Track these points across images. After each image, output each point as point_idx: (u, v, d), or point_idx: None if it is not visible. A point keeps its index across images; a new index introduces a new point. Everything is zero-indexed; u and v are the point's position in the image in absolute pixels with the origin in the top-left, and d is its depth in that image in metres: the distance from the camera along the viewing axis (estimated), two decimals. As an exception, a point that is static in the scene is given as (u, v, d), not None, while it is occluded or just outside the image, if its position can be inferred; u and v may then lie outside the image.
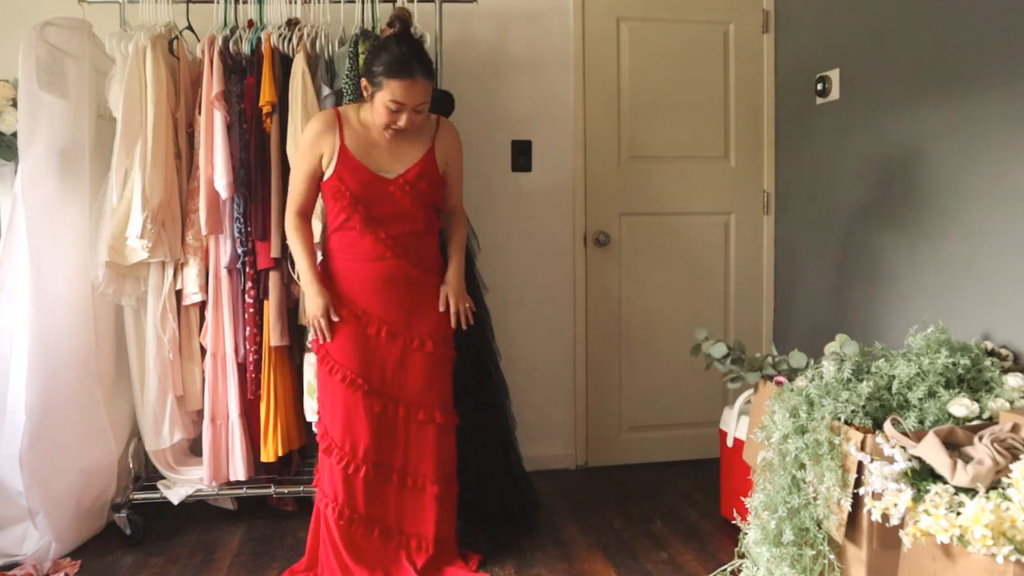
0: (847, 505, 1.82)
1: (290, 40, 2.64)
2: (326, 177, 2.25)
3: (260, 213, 2.60)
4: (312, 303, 2.26)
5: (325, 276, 2.31)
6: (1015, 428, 1.71)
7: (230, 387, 2.67)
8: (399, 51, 2.12)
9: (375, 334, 2.28)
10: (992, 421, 1.89)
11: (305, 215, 2.32)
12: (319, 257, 2.39)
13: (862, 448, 1.81)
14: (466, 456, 2.48)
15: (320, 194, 2.32)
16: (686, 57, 3.40)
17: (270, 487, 2.75)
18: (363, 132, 2.25)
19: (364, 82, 2.20)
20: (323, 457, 2.34)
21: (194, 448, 2.80)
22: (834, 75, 3.00)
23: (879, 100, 2.77)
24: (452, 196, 2.43)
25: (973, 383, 2.03)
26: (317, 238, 2.55)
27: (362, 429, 2.27)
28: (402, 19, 2.56)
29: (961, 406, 1.90)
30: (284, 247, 2.61)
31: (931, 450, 1.66)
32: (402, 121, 2.16)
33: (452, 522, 2.42)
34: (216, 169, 2.54)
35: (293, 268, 2.64)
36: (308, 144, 2.25)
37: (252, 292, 2.64)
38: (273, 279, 2.65)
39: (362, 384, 2.26)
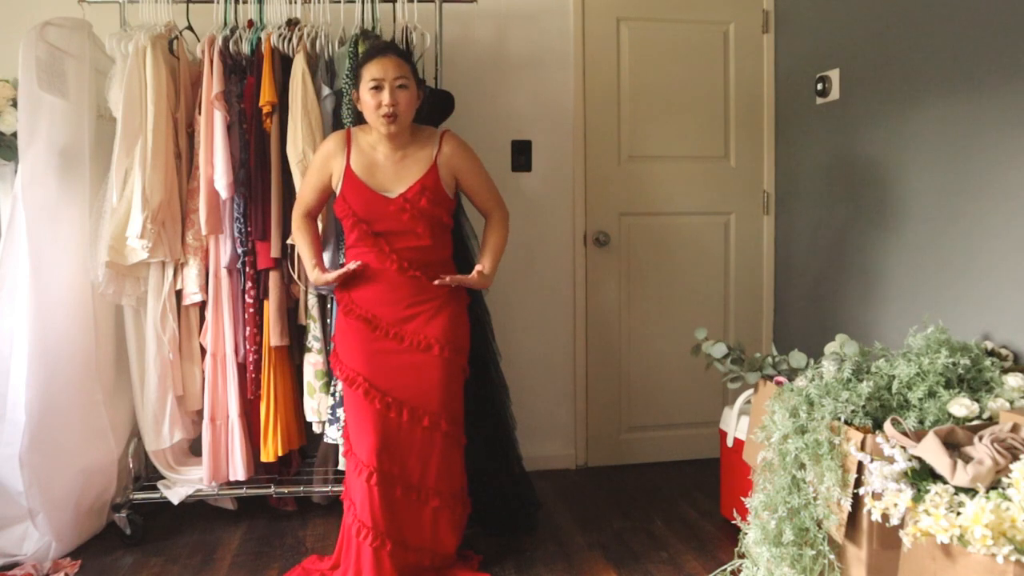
0: (847, 505, 1.82)
1: (290, 40, 2.64)
2: (336, 194, 2.35)
3: (260, 213, 2.60)
4: (313, 277, 2.37)
5: (341, 285, 2.36)
6: (1015, 428, 1.71)
7: (230, 387, 2.67)
8: (370, 45, 2.37)
9: (383, 335, 2.30)
10: (992, 421, 1.89)
11: (311, 216, 2.44)
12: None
13: (862, 448, 1.81)
14: (466, 456, 2.48)
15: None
16: (686, 57, 3.40)
17: (270, 487, 2.75)
18: (369, 153, 2.33)
19: (355, 93, 2.31)
20: (346, 463, 2.36)
21: (194, 448, 2.80)
22: (834, 75, 3.00)
23: (879, 100, 2.77)
24: (479, 199, 2.45)
25: (973, 383, 2.03)
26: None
27: (367, 429, 2.25)
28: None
29: (961, 406, 1.90)
30: (284, 247, 2.62)
31: (931, 450, 1.66)
32: (385, 98, 2.21)
33: (455, 538, 2.38)
34: (216, 169, 2.54)
35: (293, 268, 2.65)
36: (320, 162, 2.37)
37: (252, 292, 2.64)
38: (273, 279, 2.65)
39: (363, 383, 2.26)
